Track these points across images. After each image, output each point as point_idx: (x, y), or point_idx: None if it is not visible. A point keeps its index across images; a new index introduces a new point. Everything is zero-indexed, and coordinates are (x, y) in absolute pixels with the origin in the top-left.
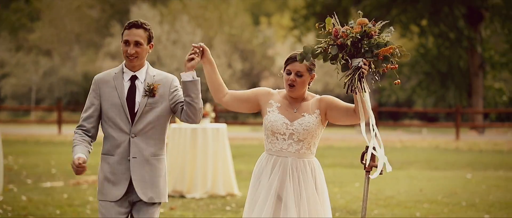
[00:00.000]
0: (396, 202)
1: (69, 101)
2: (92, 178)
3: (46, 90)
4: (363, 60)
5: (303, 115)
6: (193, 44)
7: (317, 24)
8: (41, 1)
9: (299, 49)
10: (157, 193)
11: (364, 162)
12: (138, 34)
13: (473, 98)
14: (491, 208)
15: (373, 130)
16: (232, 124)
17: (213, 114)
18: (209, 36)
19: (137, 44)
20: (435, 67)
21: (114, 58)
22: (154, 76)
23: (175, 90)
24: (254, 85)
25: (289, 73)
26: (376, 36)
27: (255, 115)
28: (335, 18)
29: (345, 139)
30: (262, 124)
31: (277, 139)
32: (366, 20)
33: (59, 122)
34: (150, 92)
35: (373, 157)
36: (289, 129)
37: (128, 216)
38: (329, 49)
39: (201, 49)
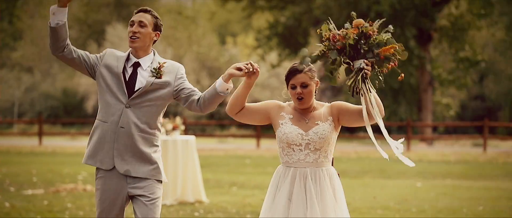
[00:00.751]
0: (352, 208)
1: (49, 114)
2: (70, 186)
3: (28, 104)
4: (365, 61)
5: (317, 124)
6: (251, 62)
7: (318, 30)
8: (23, 22)
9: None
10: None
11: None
12: (144, 17)
13: (423, 112)
14: (439, 214)
15: (384, 130)
16: (200, 136)
17: (182, 127)
18: (179, 55)
19: (141, 24)
20: (387, 84)
21: None
22: (161, 63)
23: (181, 77)
24: (222, 101)
25: (294, 88)
26: (375, 35)
27: (222, 127)
28: (331, 24)
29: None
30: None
31: (294, 151)
32: (361, 20)
33: (40, 134)
34: (157, 73)
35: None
36: (305, 139)
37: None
38: (329, 54)
39: (254, 70)
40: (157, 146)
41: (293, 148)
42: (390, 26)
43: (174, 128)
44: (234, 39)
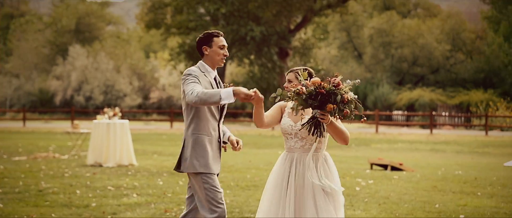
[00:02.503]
0: (235, 169)
1: (30, 106)
2: (44, 154)
3: (16, 99)
4: (319, 111)
5: (304, 117)
6: (256, 91)
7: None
8: (13, 43)
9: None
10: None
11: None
12: (225, 41)
13: None
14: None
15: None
16: (132, 120)
17: (120, 114)
18: (118, 65)
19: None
20: (259, 84)
21: (58, 79)
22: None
23: None
24: (146, 96)
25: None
26: (338, 90)
27: (147, 114)
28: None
29: None
30: (151, 120)
31: (287, 139)
32: (318, 79)
33: (24, 119)
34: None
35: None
36: (294, 130)
37: None
38: (296, 98)
39: (256, 98)
40: None
41: (287, 137)
42: (358, 80)
43: (114, 115)
44: (155, 54)
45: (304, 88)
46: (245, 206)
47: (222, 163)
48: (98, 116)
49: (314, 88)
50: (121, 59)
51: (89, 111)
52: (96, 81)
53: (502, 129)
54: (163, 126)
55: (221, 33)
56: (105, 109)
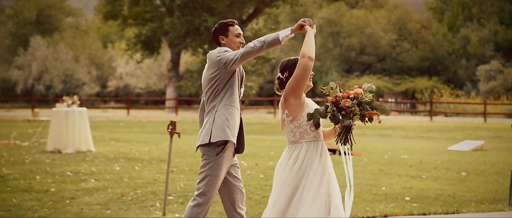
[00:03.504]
0: (189, 153)
1: None
2: (6, 142)
3: None
4: (352, 120)
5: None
6: (307, 19)
7: (321, 87)
8: None
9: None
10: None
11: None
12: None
13: None
14: (246, 157)
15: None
16: (90, 108)
17: (78, 102)
18: (77, 55)
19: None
20: None
21: (19, 69)
22: None
23: None
24: (104, 85)
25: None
26: (365, 100)
27: (105, 102)
28: (336, 86)
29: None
30: (109, 107)
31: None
32: (360, 91)
33: None
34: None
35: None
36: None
37: None
38: (339, 116)
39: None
40: None
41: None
42: (373, 86)
43: (73, 103)
44: (112, 44)
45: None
46: None
47: (176, 148)
48: (57, 104)
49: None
50: (80, 49)
51: (49, 99)
52: (56, 71)
53: (446, 114)
54: (120, 114)
55: (236, 21)
56: (64, 98)
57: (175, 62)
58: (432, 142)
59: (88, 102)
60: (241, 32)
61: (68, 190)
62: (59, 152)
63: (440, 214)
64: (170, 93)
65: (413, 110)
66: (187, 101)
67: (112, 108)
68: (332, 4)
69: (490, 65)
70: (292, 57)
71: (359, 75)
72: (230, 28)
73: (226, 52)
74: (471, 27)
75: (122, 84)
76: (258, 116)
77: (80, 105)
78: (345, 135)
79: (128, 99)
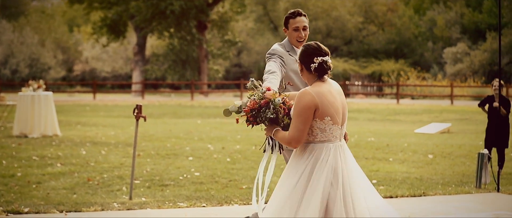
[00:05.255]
0: (155, 138)
1: None
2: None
3: None
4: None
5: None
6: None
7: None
8: None
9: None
10: None
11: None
12: (304, 21)
13: (201, 75)
14: (212, 141)
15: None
16: (56, 92)
17: (44, 86)
18: (43, 39)
19: (304, 29)
20: (179, 56)
21: None
22: None
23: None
24: (70, 69)
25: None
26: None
27: (71, 86)
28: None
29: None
30: (75, 92)
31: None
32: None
33: None
34: None
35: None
36: None
37: None
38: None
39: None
40: None
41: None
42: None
43: (38, 87)
44: (78, 28)
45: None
46: (165, 174)
47: (142, 131)
48: (23, 88)
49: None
50: (45, 33)
51: (15, 83)
52: (22, 55)
53: (412, 97)
54: (86, 98)
55: (298, 12)
56: (30, 82)
57: (141, 46)
58: (399, 125)
59: (54, 86)
60: (300, 25)
61: (34, 175)
62: (25, 136)
63: (407, 196)
64: (136, 77)
65: (379, 93)
66: (153, 85)
67: (78, 92)
68: None
69: (456, 47)
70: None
71: None
72: (290, 20)
73: (267, 61)
74: (437, 10)
75: (88, 68)
76: (224, 99)
77: (46, 89)
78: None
79: (94, 83)
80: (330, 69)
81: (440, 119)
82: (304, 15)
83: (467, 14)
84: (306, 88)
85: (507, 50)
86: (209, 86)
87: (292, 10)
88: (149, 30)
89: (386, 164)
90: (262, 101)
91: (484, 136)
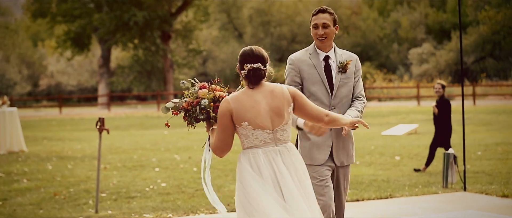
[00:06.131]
0: (122, 150)
1: None
2: None
3: None
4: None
5: None
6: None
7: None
8: None
9: (83, 56)
10: (348, 157)
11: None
12: (325, 18)
13: (167, 85)
14: (178, 151)
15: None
16: (22, 108)
17: (9, 102)
18: (7, 55)
19: (325, 26)
20: (144, 67)
21: None
22: (341, 54)
23: (358, 71)
24: (36, 83)
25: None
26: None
27: (37, 101)
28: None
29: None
30: (41, 106)
31: None
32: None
33: None
34: (343, 68)
35: None
36: None
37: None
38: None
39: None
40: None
41: None
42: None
43: (3, 103)
44: (43, 43)
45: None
46: (131, 186)
47: (109, 144)
48: None
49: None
50: (10, 48)
51: None
52: None
53: (379, 99)
54: (52, 112)
55: (321, 9)
56: None
57: (105, 58)
58: (366, 128)
59: (20, 102)
60: (319, 22)
61: (0, 191)
62: None
63: (374, 199)
64: (102, 89)
65: None
66: (119, 97)
67: (45, 106)
68: None
69: (422, 48)
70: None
71: None
72: (312, 18)
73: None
74: (401, 11)
75: (53, 82)
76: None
77: (12, 105)
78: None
79: (60, 97)
80: (263, 77)
81: (407, 121)
82: (328, 12)
83: (432, 14)
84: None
85: (473, 49)
86: (175, 96)
87: (318, 8)
88: (113, 42)
89: (353, 168)
90: (195, 101)
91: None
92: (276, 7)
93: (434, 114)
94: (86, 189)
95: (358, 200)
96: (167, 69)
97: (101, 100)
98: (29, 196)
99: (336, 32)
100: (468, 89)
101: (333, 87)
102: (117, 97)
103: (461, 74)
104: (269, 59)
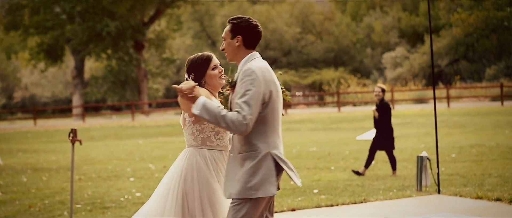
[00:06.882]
0: (97, 161)
1: None
2: None
3: None
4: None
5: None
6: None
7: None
8: None
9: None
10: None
11: None
12: (224, 31)
13: (141, 94)
14: (153, 160)
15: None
16: None
17: None
18: None
19: (223, 39)
20: (118, 78)
21: None
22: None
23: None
24: (10, 96)
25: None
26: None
27: (12, 113)
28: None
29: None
30: (16, 119)
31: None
32: None
33: None
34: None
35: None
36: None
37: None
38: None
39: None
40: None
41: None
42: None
43: None
44: (16, 55)
45: None
46: (106, 196)
47: (84, 155)
48: None
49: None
50: None
51: None
52: None
53: (354, 104)
54: (27, 124)
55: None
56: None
57: (79, 69)
58: (341, 133)
59: None
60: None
61: None
62: None
63: (348, 204)
64: (76, 100)
65: (321, 102)
66: (94, 107)
67: (19, 119)
68: (234, 1)
69: (395, 52)
70: (196, 55)
71: None
72: None
73: None
74: (374, 16)
75: (28, 94)
76: (166, 118)
77: None
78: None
79: (34, 109)
80: None
81: None
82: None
83: (404, 18)
84: None
85: (446, 51)
86: (150, 105)
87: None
88: (86, 53)
89: (328, 173)
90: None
91: (425, 139)
92: (249, 14)
93: (374, 117)
94: (61, 201)
95: (332, 205)
96: (141, 79)
97: (75, 111)
98: (4, 209)
99: (238, 44)
100: (442, 92)
101: None
102: (91, 108)
103: (432, 76)
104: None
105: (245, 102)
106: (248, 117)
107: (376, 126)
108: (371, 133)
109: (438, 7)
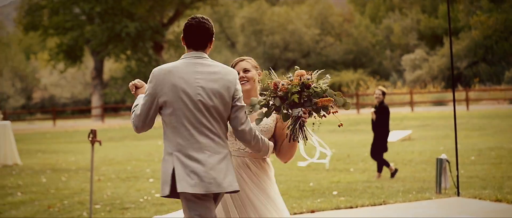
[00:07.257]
0: (117, 161)
1: None
2: None
3: None
4: (303, 109)
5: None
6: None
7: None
8: None
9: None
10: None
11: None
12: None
13: None
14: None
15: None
16: (15, 121)
17: (1, 116)
18: (0, 68)
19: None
20: (137, 78)
21: None
22: None
23: None
24: (29, 96)
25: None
26: (314, 86)
27: (31, 114)
28: (272, 72)
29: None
30: (35, 119)
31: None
32: (303, 71)
33: None
34: None
35: None
36: None
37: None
38: (272, 101)
39: None
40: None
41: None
42: (328, 76)
43: None
44: (35, 55)
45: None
46: (125, 197)
47: (103, 156)
48: None
49: (303, 82)
50: (2, 62)
51: None
52: None
53: (373, 106)
54: (46, 125)
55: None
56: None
57: (98, 69)
58: (360, 135)
59: (14, 115)
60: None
61: None
62: None
63: (367, 206)
64: (95, 101)
65: None
66: (113, 108)
67: (38, 119)
68: (253, 3)
69: (414, 54)
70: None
71: (285, 72)
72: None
73: None
74: (393, 17)
75: (47, 95)
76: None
77: (5, 119)
78: (293, 128)
79: (53, 110)
80: None
81: (401, 127)
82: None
83: (423, 20)
84: None
85: (465, 54)
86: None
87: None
88: (105, 54)
89: (347, 175)
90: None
91: (444, 141)
92: (268, 16)
93: (372, 120)
94: (80, 201)
95: (351, 207)
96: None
97: (94, 111)
98: (23, 209)
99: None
100: (462, 94)
101: None
102: (111, 109)
103: (452, 78)
104: None
105: None
106: None
107: (373, 129)
108: (391, 136)
109: (457, 9)
